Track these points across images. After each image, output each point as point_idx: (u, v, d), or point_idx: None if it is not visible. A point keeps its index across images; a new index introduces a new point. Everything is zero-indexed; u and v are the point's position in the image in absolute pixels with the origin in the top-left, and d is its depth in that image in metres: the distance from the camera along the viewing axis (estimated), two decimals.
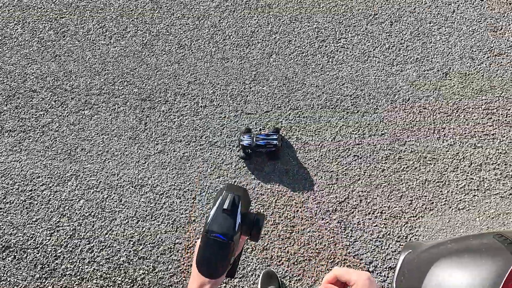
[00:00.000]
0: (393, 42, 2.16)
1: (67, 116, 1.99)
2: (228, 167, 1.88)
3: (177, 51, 2.16)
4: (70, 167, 1.88)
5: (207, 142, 1.94)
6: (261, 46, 2.16)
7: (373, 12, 2.25)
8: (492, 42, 2.15)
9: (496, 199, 1.79)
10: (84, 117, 1.99)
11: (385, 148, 1.90)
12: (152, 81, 2.08)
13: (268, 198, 1.82)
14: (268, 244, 1.74)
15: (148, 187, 1.84)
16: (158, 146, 1.93)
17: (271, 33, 2.20)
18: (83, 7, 2.28)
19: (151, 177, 1.86)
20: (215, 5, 2.29)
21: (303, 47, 2.16)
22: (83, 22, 2.23)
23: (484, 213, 1.77)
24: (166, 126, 1.97)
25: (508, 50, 2.12)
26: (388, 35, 2.18)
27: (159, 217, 1.79)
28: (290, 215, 1.79)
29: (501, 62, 2.10)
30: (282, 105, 2.01)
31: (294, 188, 1.84)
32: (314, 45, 2.17)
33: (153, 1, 2.30)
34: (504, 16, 2.22)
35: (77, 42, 2.18)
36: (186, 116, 1.99)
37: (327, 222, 1.77)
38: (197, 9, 2.28)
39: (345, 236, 1.75)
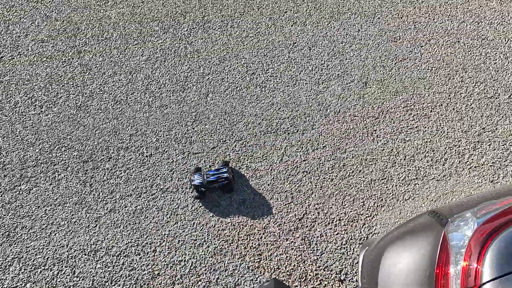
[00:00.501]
0: (315, 64, 2.39)
1: (1, 196, 1.85)
2: (184, 211, 1.86)
3: (114, 107, 2.17)
4: (11, 249, 1.72)
5: (158, 190, 1.91)
6: (197, 88, 2.26)
7: (292, 41, 2.50)
8: (395, 50, 2.48)
9: (434, 183, 1.97)
10: (21, 192, 1.87)
11: (329, 159, 2.03)
12: (92, 141, 2.04)
13: (230, 232, 1.81)
14: (238, 279, 1.70)
15: (103, 251, 1.74)
16: (107, 205, 1.86)
17: (204, 74, 2.32)
18: (7, 81, 2.22)
19: (104, 240, 1.77)
20: (146, 58, 2.38)
21: (236, 82, 2.29)
22: (9, 96, 2.17)
23: (427, 198, 1.93)
24: (113, 183, 1.92)
25: (409, 54, 2.46)
26: (309, 59, 2.41)
27: (119, 280, 1.68)
28: (255, 244, 1.78)
29: (407, 65, 2.41)
30: (227, 139, 2.08)
31: (253, 215, 1.86)
32: (246, 78, 2.32)
33: (82, 64, 2.32)
34: (399, 28, 2.59)
35: (4, 117, 2.09)
36: (132, 168, 1.96)
37: (292, 241, 1.80)
38: (128, 65, 2.35)
39: (311, 251, 1.77)
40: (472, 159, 2.04)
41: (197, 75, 2.31)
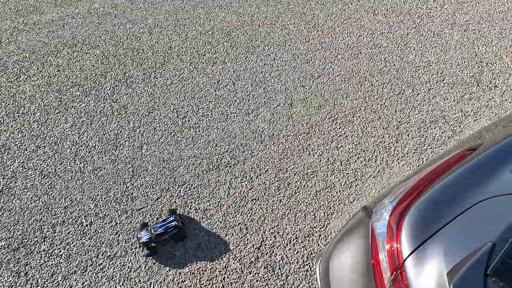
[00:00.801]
0: (241, 96, 2.51)
1: None
2: (137, 273, 1.74)
3: (42, 182, 2.03)
4: None
5: (105, 258, 1.78)
6: (129, 143, 2.22)
7: (216, 80, 2.62)
8: (310, 70, 2.72)
9: (371, 180, 2.12)
10: None
11: (273, 182, 2.08)
12: (22, 225, 1.86)
13: (190, 281, 1.73)
14: None
15: None
16: None
17: (134, 128, 2.30)
18: None
19: None
20: (70, 125, 2.30)
21: (169, 129, 2.31)
22: None
23: (369, 195, 2.06)
24: (52, 264, 1.74)
25: (323, 71, 2.71)
26: (235, 93, 2.53)
27: None
28: (218, 286, 1.72)
29: (323, 81, 2.65)
30: (170, 186, 2.04)
31: (211, 257, 1.80)
32: (178, 123, 2.34)
33: None
34: (309, 51, 2.87)
35: None
36: (72, 243, 1.82)
37: (255, 273, 1.77)
38: (52, 135, 2.24)
39: (276, 277, 1.76)
40: (397, 151, 2.25)
41: (128, 130, 2.28)
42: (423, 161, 2.20)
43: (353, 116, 2.43)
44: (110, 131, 2.28)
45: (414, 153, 2.24)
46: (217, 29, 3.09)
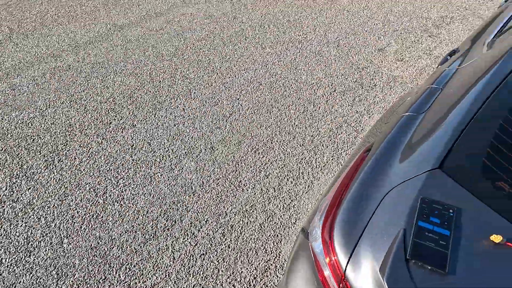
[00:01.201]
0: (160, 154, 2.46)
1: None
2: None
3: None
4: None
5: None
6: (45, 243, 1.94)
7: (129, 145, 2.51)
8: (221, 111, 2.82)
9: (304, 196, 2.24)
10: None
11: (217, 229, 2.04)
12: None
13: None
14: None
15: None
16: None
17: (48, 223, 2.03)
18: None
19: None
20: None
21: (90, 211, 2.10)
22: None
23: (308, 212, 2.17)
24: None
25: (232, 109, 2.85)
26: (153, 152, 2.46)
27: None
28: None
29: (235, 118, 2.77)
30: (106, 274, 1.83)
31: None
32: (98, 202, 2.15)
33: None
34: (214, 93, 3.00)
35: None
36: None
37: None
38: None
39: None
40: (318, 162, 2.44)
41: (40, 229, 2.00)
42: (341, 165, 2.44)
43: (271, 143, 2.57)
44: (18, 236, 1.97)
45: (332, 160, 2.46)
46: (117, 94, 3.01)
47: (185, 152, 2.49)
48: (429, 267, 0.74)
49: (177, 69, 3.32)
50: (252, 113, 2.81)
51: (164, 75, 3.25)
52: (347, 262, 0.84)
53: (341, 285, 0.84)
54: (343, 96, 3.03)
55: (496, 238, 0.75)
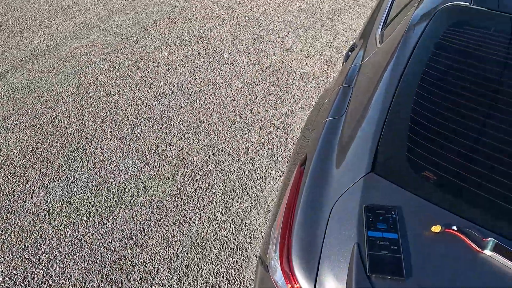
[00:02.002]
0: (84, 211, 2.16)
1: None
2: None
3: None
4: None
5: None
6: None
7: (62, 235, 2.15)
8: (145, 146, 2.61)
9: (253, 211, 2.20)
10: None
11: (173, 275, 1.87)
12: None
13: None
14: None
15: None
16: None
17: None
18: None
19: None
20: None
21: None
22: None
23: (261, 226, 2.13)
24: None
25: (157, 142, 2.66)
26: (79, 217, 2.15)
27: None
28: None
29: (163, 149, 2.59)
30: None
31: None
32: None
33: None
34: (133, 128, 2.76)
35: None
36: None
37: None
38: None
39: None
40: (258, 174, 2.43)
41: None
42: (282, 172, 2.46)
43: (207, 165, 2.47)
44: None
45: (271, 168, 2.47)
46: (15, 155, 2.57)
47: (116, 201, 2.23)
48: (389, 277, 0.75)
49: (84, 110, 2.98)
50: (179, 140, 2.67)
51: (70, 119, 2.88)
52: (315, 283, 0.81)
53: None
54: (265, 101, 3.07)
55: (436, 228, 0.80)
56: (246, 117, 2.89)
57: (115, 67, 3.52)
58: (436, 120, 1.03)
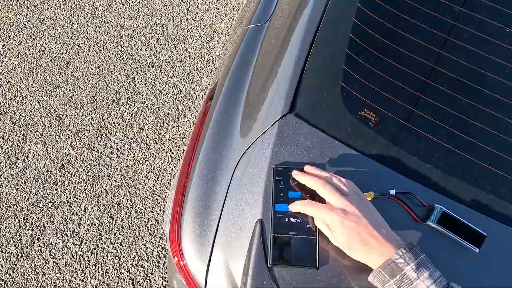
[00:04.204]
0: None
1: None
2: None
3: None
4: None
5: None
6: None
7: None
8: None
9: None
10: None
11: None
12: None
13: None
14: None
15: None
16: None
17: None
18: None
19: None
20: None
21: None
22: None
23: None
24: None
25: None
26: None
27: None
28: None
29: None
30: None
31: None
32: None
33: None
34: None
35: None
36: None
37: None
38: None
39: None
40: (198, 91, 2.08)
41: None
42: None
43: (134, 84, 2.07)
44: None
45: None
46: None
47: (23, 134, 1.85)
48: (298, 268, 0.55)
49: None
50: (97, 53, 2.15)
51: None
52: (205, 283, 0.61)
53: None
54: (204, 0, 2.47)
55: (369, 196, 0.58)
56: (181, 20, 2.35)
57: None
58: (383, 42, 0.71)
